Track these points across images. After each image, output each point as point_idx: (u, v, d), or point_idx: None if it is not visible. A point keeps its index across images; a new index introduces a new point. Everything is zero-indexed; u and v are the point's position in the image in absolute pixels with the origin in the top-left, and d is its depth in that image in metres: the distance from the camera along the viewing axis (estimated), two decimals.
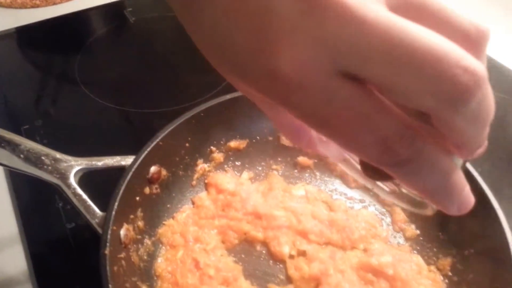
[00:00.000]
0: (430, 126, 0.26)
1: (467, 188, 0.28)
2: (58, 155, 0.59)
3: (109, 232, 0.53)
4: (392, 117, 0.25)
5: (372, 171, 0.32)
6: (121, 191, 0.57)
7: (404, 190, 0.35)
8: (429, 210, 0.34)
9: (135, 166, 0.61)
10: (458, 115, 0.24)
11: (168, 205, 0.69)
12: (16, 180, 0.77)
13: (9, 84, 0.98)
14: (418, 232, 0.68)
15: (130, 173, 0.60)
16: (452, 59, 0.23)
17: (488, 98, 0.25)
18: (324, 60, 0.24)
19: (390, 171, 0.27)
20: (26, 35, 1.13)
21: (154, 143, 0.64)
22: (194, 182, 0.73)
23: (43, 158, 0.58)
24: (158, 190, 0.67)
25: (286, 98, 0.26)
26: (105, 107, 0.92)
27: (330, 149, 0.37)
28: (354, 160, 0.36)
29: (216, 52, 0.29)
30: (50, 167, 0.57)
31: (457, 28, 0.25)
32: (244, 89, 0.34)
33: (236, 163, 0.76)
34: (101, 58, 1.08)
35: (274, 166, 0.77)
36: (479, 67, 0.23)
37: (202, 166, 0.73)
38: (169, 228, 0.66)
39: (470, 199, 0.29)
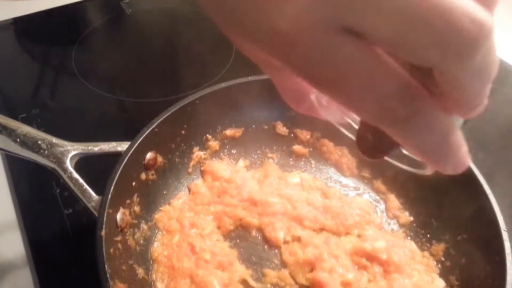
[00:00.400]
0: (432, 83, 0.26)
1: (464, 148, 0.28)
2: (55, 140, 0.60)
3: (105, 214, 0.54)
4: (393, 75, 0.25)
5: (367, 147, 0.33)
6: (117, 175, 0.58)
7: (404, 151, 0.35)
8: (428, 170, 0.34)
9: (131, 151, 0.61)
10: (463, 69, 0.24)
11: (165, 192, 0.69)
12: (14, 167, 0.77)
13: (5, 75, 0.98)
14: (411, 218, 0.69)
15: (126, 158, 0.60)
16: (459, 9, 0.22)
17: (493, 53, 0.24)
18: (325, 15, 0.24)
19: (388, 129, 0.27)
20: (23, 26, 1.13)
21: (150, 129, 0.64)
22: (190, 170, 0.73)
23: (39, 142, 0.58)
24: (155, 177, 0.68)
25: (286, 55, 0.26)
26: (102, 97, 0.92)
27: (332, 113, 0.37)
28: (356, 125, 0.36)
29: (219, 11, 0.29)
30: (46, 151, 0.58)
31: None
32: (247, 49, 0.33)
33: (232, 151, 0.77)
34: (98, 49, 1.09)
35: (269, 155, 0.78)
36: (487, 18, 0.23)
37: (198, 153, 0.74)
38: (165, 214, 0.67)
39: (466, 159, 0.28)
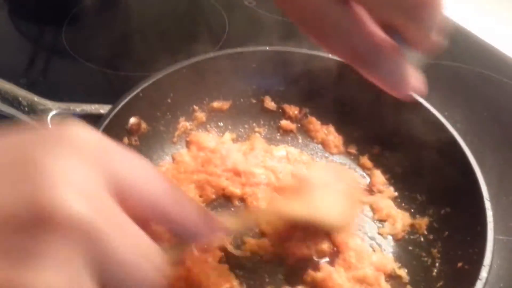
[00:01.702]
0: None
1: (412, 78, 0.40)
2: (36, 98, 0.59)
3: None
4: (363, 31, 0.37)
5: None
6: None
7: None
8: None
9: (113, 113, 0.60)
10: (418, 23, 0.36)
11: (147, 159, 0.69)
12: None
13: None
14: (396, 194, 0.68)
15: (107, 120, 0.60)
16: None
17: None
18: None
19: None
20: (16, 3, 1.12)
21: (134, 93, 0.64)
22: (175, 139, 0.72)
23: (20, 99, 0.58)
24: (138, 143, 0.67)
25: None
26: (93, 71, 0.91)
27: None
28: None
29: None
30: (26, 108, 0.57)
31: None
32: None
33: (219, 123, 0.76)
34: (90, 25, 1.08)
35: (256, 129, 0.77)
36: None
37: (184, 123, 0.73)
38: None
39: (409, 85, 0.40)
